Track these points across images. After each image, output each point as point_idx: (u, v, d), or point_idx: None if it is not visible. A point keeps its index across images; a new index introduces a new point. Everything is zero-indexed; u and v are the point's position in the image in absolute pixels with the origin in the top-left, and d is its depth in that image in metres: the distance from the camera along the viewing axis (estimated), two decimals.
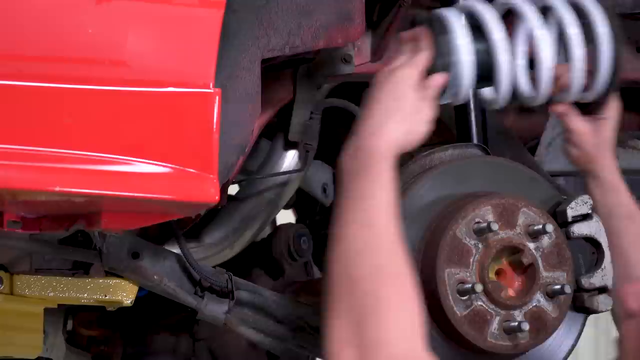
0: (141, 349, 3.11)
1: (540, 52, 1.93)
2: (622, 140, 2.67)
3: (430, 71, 1.85)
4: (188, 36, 1.85)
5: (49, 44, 1.81)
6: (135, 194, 1.84)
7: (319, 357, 2.54)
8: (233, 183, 2.47)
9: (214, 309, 2.46)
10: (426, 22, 1.88)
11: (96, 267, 2.70)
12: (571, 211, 2.00)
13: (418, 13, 1.99)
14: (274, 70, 2.29)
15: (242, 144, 2.02)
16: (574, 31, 1.93)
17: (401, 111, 1.79)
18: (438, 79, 1.84)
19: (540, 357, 2.00)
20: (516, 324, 1.91)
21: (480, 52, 1.90)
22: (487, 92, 1.98)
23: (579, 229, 2.00)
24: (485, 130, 2.31)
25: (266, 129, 2.41)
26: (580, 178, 2.61)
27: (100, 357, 3.10)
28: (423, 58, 1.85)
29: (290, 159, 2.51)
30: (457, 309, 1.91)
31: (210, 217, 2.53)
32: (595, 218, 2.00)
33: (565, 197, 2.13)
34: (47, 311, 2.78)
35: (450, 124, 2.31)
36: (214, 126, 1.85)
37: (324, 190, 2.63)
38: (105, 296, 2.71)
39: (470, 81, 1.88)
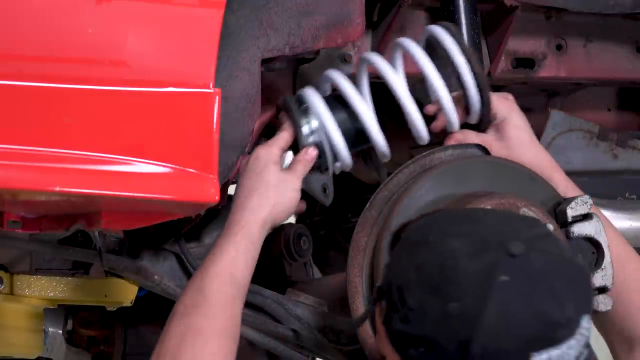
0: (141, 348, 3.11)
1: (402, 103, 2.05)
2: (622, 140, 2.67)
3: (300, 147, 2.03)
4: (188, 36, 1.86)
5: (49, 44, 1.81)
6: (135, 194, 1.84)
7: (319, 357, 2.54)
8: (233, 183, 2.47)
9: None
10: (287, 103, 2.05)
11: (96, 267, 2.70)
12: (571, 211, 1.99)
13: (284, 98, 2.10)
14: (275, 70, 2.30)
15: (242, 144, 2.02)
16: (432, 73, 2.05)
17: (264, 185, 1.95)
18: (308, 151, 2.02)
19: None
20: None
21: (344, 121, 2.06)
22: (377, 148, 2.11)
23: (579, 229, 1.99)
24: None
25: (266, 129, 2.41)
26: (580, 178, 2.62)
27: (100, 357, 3.10)
28: (282, 136, 2.02)
29: (290, 159, 2.50)
30: None
31: (210, 217, 2.53)
32: (595, 218, 2.00)
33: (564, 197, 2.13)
34: (47, 311, 2.79)
35: None
36: (214, 126, 1.85)
37: (324, 190, 2.61)
38: (105, 296, 2.71)
39: (344, 147, 2.05)
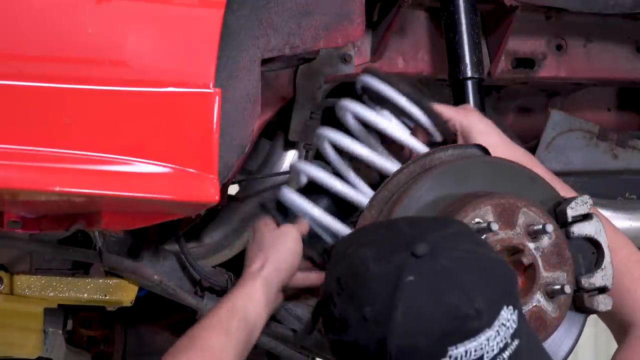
0: (141, 348, 3.11)
1: (375, 165, 2.11)
2: (622, 140, 2.67)
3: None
4: (188, 36, 1.86)
5: (49, 44, 1.81)
6: (135, 194, 1.84)
7: (319, 357, 2.54)
8: (233, 183, 2.48)
9: None
10: (270, 213, 2.10)
11: (96, 267, 2.70)
12: (571, 211, 1.99)
13: (263, 205, 2.18)
14: (274, 70, 2.30)
15: (242, 144, 2.02)
16: (388, 127, 2.10)
17: (259, 246, 1.99)
18: (302, 223, 2.05)
19: None
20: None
21: (330, 206, 2.12)
22: None
23: (579, 229, 1.99)
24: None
25: (266, 129, 2.41)
26: (580, 178, 2.62)
27: (100, 357, 3.10)
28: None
29: (290, 159, 2.51)
30: None
31: (210, 217, 2.53)
32: (595, 218, 2.00)
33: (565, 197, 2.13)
34: (47, 311, 2.78)
35: None
36: (214, 126, 1.85)
37: None
38: (105, 296, 2.71)
39: (341, 226, 2.10)
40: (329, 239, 2.11)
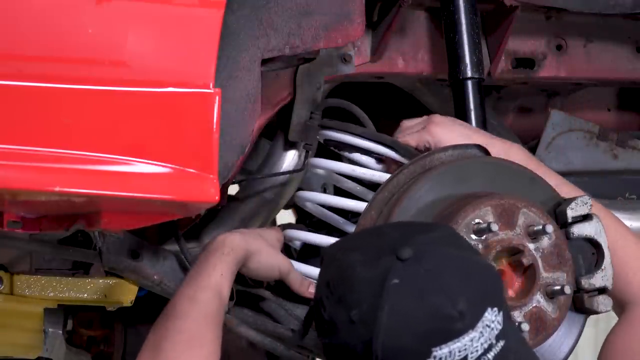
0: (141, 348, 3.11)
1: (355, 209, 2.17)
2: (622, 140, 2.67)
3: None
4: (188, 36, 1.86)
5: (49, 44, 1.81)
6: (135, 194, 1.84)
7: (319, 357, 2.54)
8: (233, 183, 2.47)
9: None
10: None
11: (96, 267, 2.70)
12: (571, 212, 1.99)
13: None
14: (274, 70, 2.30)
15: (242, 144, 2.03)
16: (364, 173, 2.19)
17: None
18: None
19: (541, 358, 2.00)
20: (516, 324, 1.91)
21: None
22: None
23: (579, 230, 1.99)
24: (486, 130, 2.31)
25: (266, 129, 2.41)
26: (580, 178, 2.61)
27: (100, 357, 3.09)
28: None
29: (290, 159, 2.51)
30: None
31: (210, 217, 2.53)
32: (595, 219, 2.01)
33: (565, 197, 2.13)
34: (47, 311, 2.78)
35: None
36: (214, 126, 1.85)
37: (324, 190, 2.62)
38: (105, 296, 2.71)
39: None
40: None
